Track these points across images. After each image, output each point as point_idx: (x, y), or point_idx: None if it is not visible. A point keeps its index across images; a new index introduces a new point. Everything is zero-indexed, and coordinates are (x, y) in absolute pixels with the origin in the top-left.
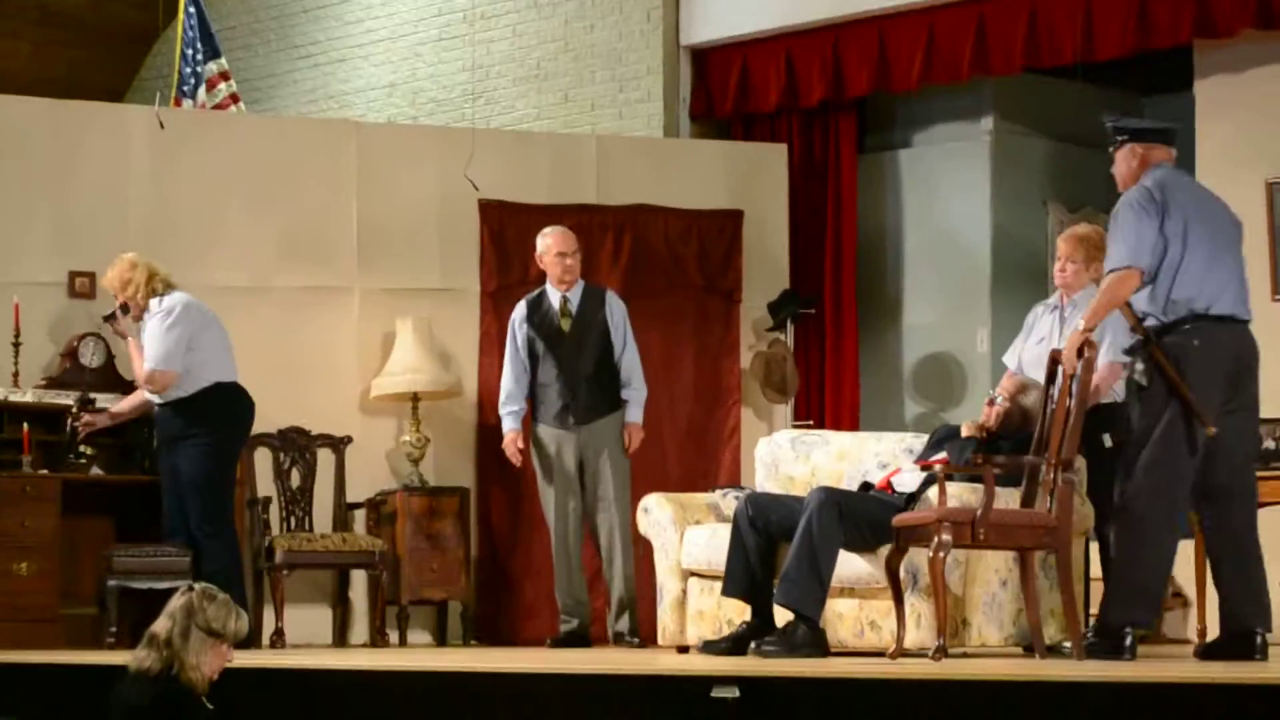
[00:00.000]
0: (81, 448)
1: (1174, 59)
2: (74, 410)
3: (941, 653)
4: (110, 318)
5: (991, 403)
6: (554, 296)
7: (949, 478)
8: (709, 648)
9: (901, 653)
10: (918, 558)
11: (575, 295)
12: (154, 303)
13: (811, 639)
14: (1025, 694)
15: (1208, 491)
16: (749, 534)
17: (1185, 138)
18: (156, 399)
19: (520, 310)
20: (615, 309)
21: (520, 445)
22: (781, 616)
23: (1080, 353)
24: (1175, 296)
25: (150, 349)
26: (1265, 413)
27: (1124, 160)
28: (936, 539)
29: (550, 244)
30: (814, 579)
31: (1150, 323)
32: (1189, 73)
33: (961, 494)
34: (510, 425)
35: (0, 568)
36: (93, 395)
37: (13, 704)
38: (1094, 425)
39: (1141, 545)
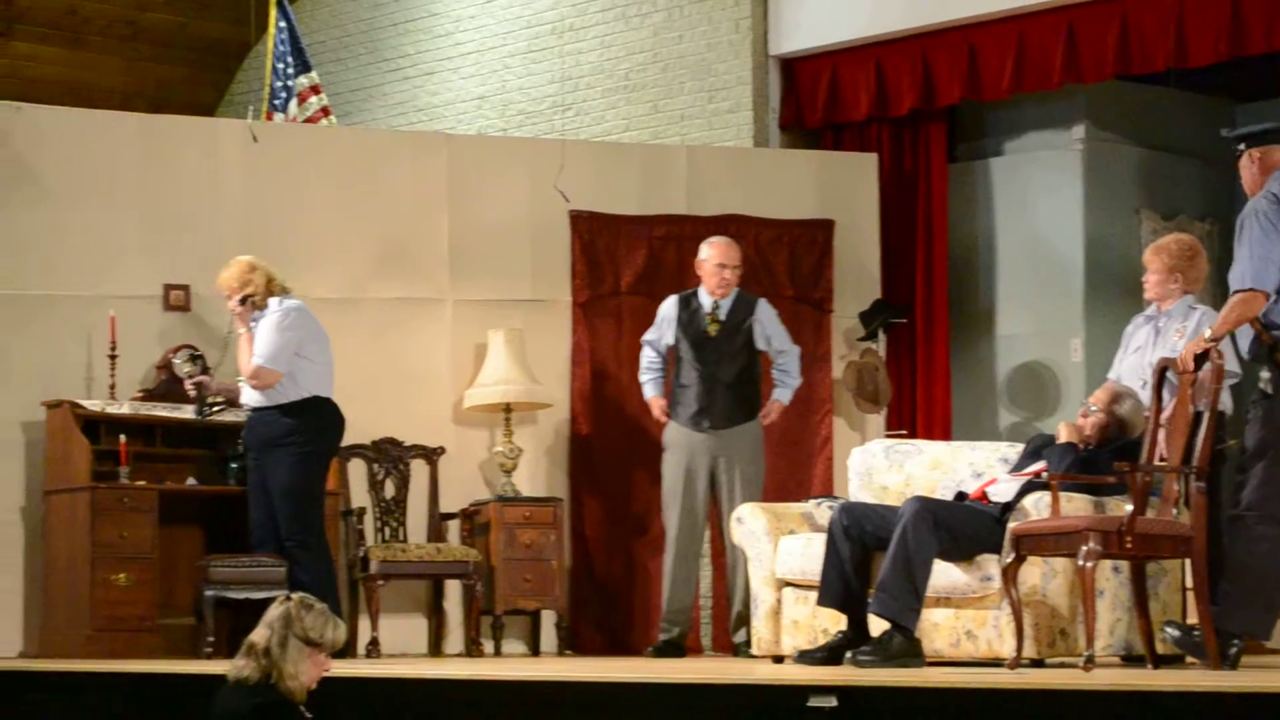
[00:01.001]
0: (208, 399)
1: (1267, 65)
2: (189, 366)
3: (1090, 663)
4: (244, 302)
5: (1086, 414)
6: (705, 300)
7: (1044, 487)
8: (804, 658)
9: (1018, 662)
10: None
11: (726, 302)
12: (273, 302)
13: (907, 648)
14: (1127, 703)
15: None
16: (844, 543)
17: None
18: (252, 402)
19: (670, 305)
20: (765, 315)
21: (664, 407)
22: (877, 626)
23: (1203, 359)
24: None
25: (261, 345)
26: None
27: (1245, 169)
28: (1085, 548)
29: (712, 254)
30: (909, 588)
31: (1276, 331)
32: None
33: (1062, 504)
34: (651, 392)
35: (99, 578)
36: (198, 350)
37: (112, 713)
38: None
39: (1256, 556)
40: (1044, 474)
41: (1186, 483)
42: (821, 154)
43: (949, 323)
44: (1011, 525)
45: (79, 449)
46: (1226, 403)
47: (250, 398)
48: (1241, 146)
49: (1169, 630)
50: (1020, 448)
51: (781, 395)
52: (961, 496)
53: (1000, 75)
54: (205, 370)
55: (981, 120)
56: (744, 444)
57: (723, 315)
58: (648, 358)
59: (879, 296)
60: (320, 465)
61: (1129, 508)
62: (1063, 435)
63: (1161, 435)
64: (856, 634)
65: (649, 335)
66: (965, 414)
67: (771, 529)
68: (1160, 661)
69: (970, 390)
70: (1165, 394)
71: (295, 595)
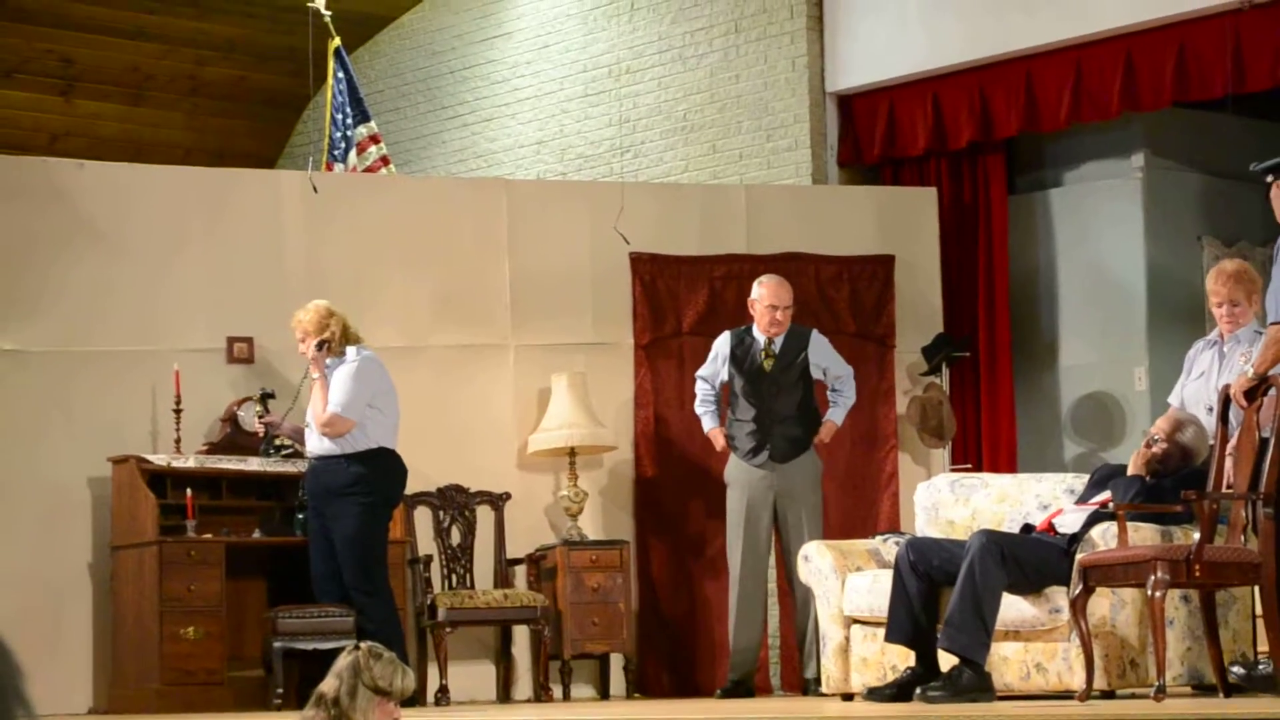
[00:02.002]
0: (276, 439)
1: None
2: (260, 406)
3: (1162, 693)
4: (320, 346)
5: (1150, 444)
6: (759, 336)
7: (1111, 517)
8: (874, 694)
9: (1088, 694)
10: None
11: (780, 337)
12: (351, 350)
13: (978, 683)
14: None
15: None
16: (910, 579)
17: None
18: (318, 450)
19: (725, 341)
20: (817, 347)
21: (722, 439)
22: (946, 661)
23: (1260, 390)
24: None
25: (338, 393)
26: None
27: (1276, 199)
28: (1153, 577)
29: (764, 294)
30: (978, 623)
31: None
32: None
33: (1129, 535)
34: (709, 424)
35: (168, 632)
36: (272, 390)
37: None
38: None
39: None
40: (1110, 504)
41: (1254, 509)
42: (880, 189)
43: (1012, 355)
44: (1079, 556)
45: (145, 504)
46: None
47: (316, 446)
48: (1270, 178)
49: (1235, 670)
50: (1086, 479)
51: (835, 415)
52: (1028, 529)
53: (1058, 106)
54: (269, 397)
55: (1040, 151)
56: (804, 477)
57: (777, 350)
58: (703, 391)
59: (941, 330)
60: (384, 515)
61: (1196, 536)
62: (1132, 467)
63: (1229, 463)
64: (926, 670)
65: (704, 371)
66: (1030, 446)
67: (838, 566)
68: (1231, 690)
69: (1035, 422)
70: (1232, 420)
71: (364, 644)
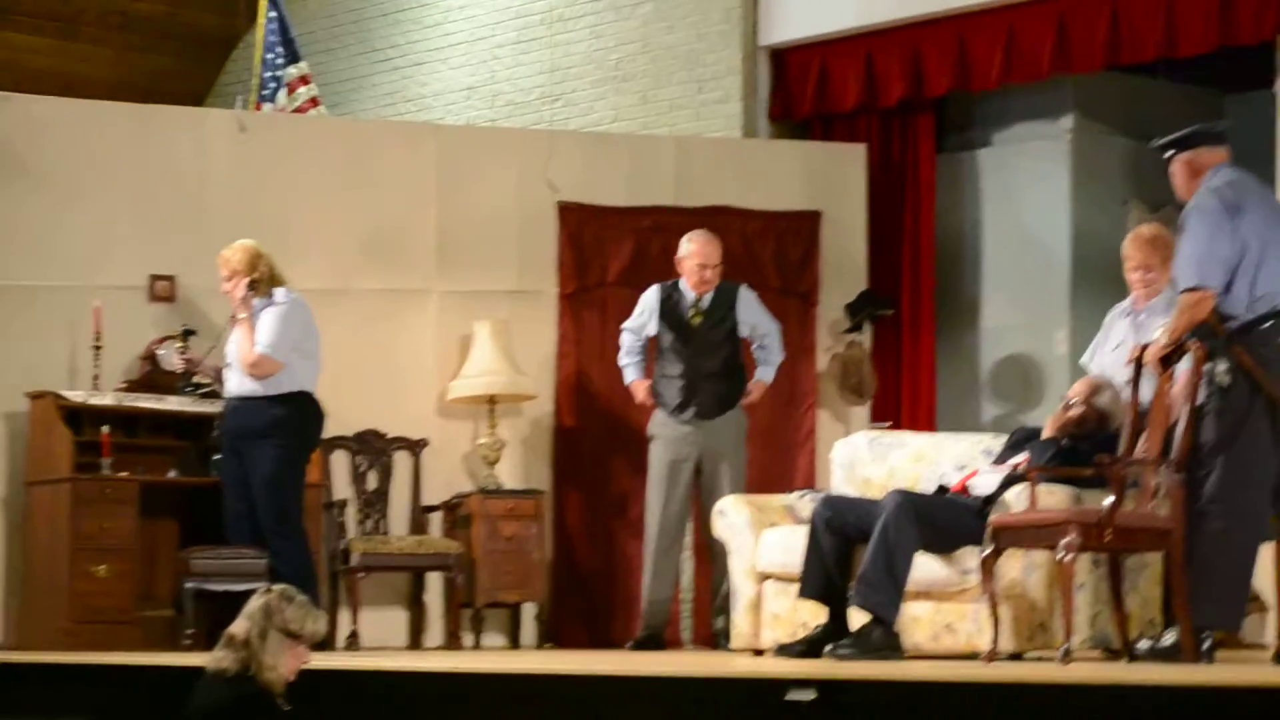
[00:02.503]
0: (195, 377)
1: (1257, 56)
2: (182, 343)
3: (1068, 656)
4: (251, 286)
5: (1067, 408)
6: (688, 292)
7: (1026, 478)
8: (784, 650)
9: (994, 655)
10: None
11: (709, 293)
12: (280, 292)
13: (887, 642)
14: (1105, 697)
15: None
16: (825, 536)
17: (1266, 136)
18: (239, 391)
19: (653, 295)
20: (746, 303)
21: (648, 389)
22: (857, 620)
23: (1174, 357)
24: (1259, 293)
25: (266, 334)
26: None
27: (1178, 174)
28: (1064, 540)
29: (692, 250)
30: (890, 582)
31: (1231, 323)
32: (1272, 70)
33: (1041, 497)
34: (632, 375)
35: (79, 570)
36: (194, 328)
37: (91, 705)
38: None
39: (1223, 549)
40: (1024, 466)
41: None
42: (810, 145)
43: (935, 314)
44: (991, 518)
45: (61, 440)
46: None
47: (237, 386)
48: (1171, 152)
49: (1139, 646)
50: (1004, 440)
51: (764, 375)
52: (943, 490)
53: (989, 66)
54: (191, 334)
55: (970, 111)
56: (729, 435)
57: (706, 306)
58: (628, 342)
59: (865, 288)
60: (302, 458)
61: (1109, 500)
62: (1047, 432)
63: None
64: (836, 627)
65: (630, 323)
66: (950, 406)
67: (754, 521)
68: (1135, 656)
69: (955, 382)
70: (1145, 387)
71: (276, 587)
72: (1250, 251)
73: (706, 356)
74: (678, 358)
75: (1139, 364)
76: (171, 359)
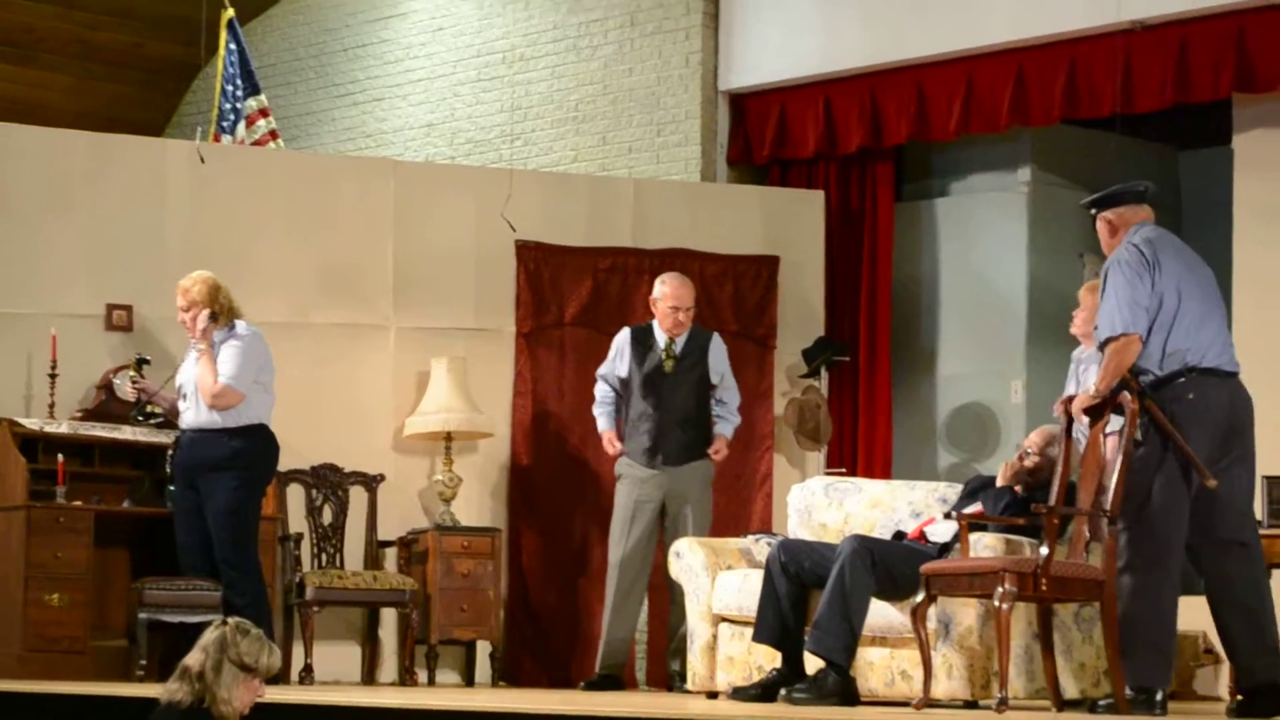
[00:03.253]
0: (148, 406)
1: (1213, 113)
2: (134, 371)
3: (1004, 705)
4: (213, 317)
5: (1022, 457)
6: (660, 336)
7: (984, 528)
8: (739, 694)
9: (928, 703)
10: (949, 607)
11: (681, 339)
12: (240, 325)
13: (841, 687)
14: None
15: (1208, 546)
16: (781, 580)
17: (1223, 192)
18: (196, 423)
19: (625, 336)
20: (717, 352)
21: (616, 443)
22: (812, 664)
23: (1106, 408)
24: (1170, 349)
25: (229, 366)
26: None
27: (1101, 232)
28: (1001, 589)
29: (666, 293)
30: (845, 627)
31: (1145, 378)
32: (1228, 127)
33: (995, 545)
34: (604, 425)
35: (32, 598)
36: (148, 356)
37: None
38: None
39: (1145, 603)
40: (980, 516)
41: (1098, 526)
42: (768, 190)
43: (891, 361)
44: (923, 565)
45: (16, 467)
46: None
47: (194, 419)
48: (1095, 210)
49: (1101, 704)
50: (960, 488)
51: (725, 429)
52: (900, 536)
53: (948, 116)
54: (145, 364)
55: (928, 160)
56: (695, 481)
57: (678, 351)
58: (601, 391)
59: (822, 334)
60: (259, 491)
61: (1044, 550)
62: (1001, 481)
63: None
64: (791, 671)
65: (603, 369)
66: (906, 453)
67: (709, 564)
68: (1065, 706)
69: (911, 430)
70: (1079, 435)
71: (231, 620)
72: (1165, 307)
73: (676, 401)
74: (647, 402)
75: (1069, 414)
76: (125, 388)
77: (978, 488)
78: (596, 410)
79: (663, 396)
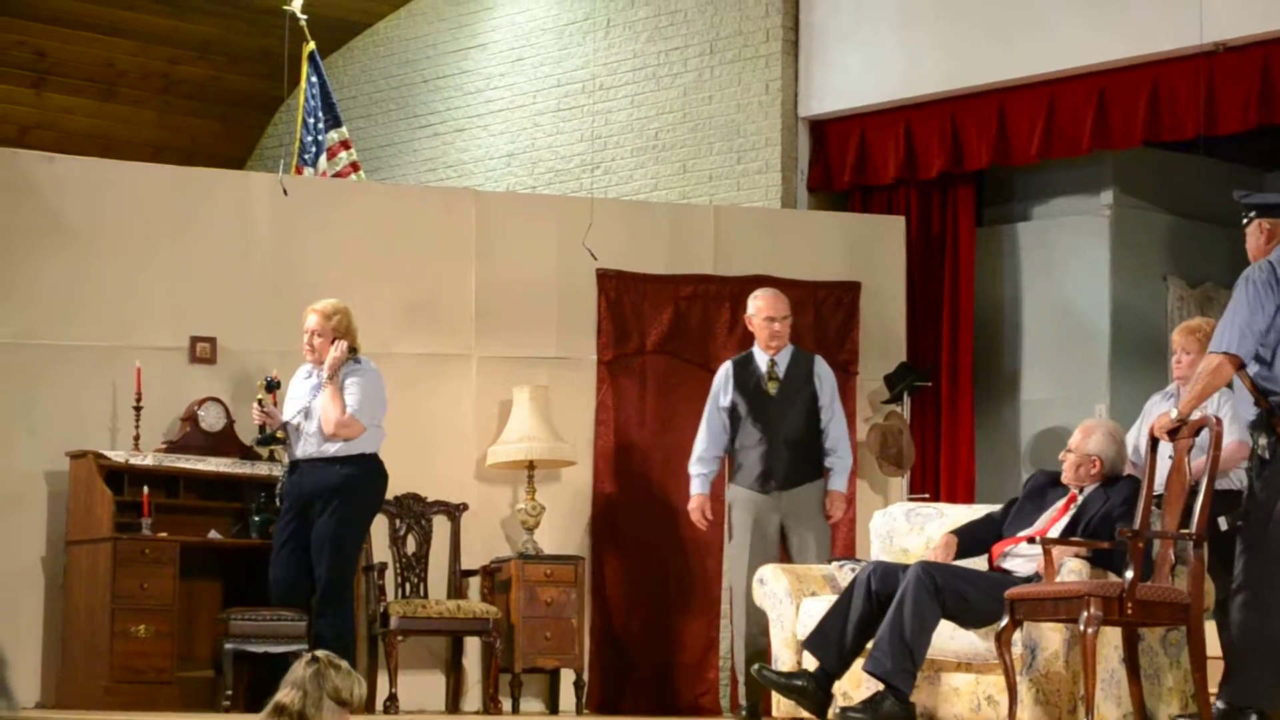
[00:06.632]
0: (276, 433)
1: None
2: (260, 396)
3: None
4: (353, 351)
5: (1064, 457)
6: (761, 359)
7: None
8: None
9: None
10: (1035, 632)
11: (783, 359)
12: (366, 360)
13: (900, 711)
14: None
15: None
16: (860, 600)
17: None
18: (312, 453)
19: (726, 370)
20: (824, 377)
21: (707, 512)
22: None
23: (1190, 430)
24: None
25: (357, 398)
26: None
27: (1252, 235)
28: (1086, 613)
29: (760, 306)
30: (905, 651)
31: (1275, 399)
32: None
33: (1080, 569)
34: (698, 489)
35: (119, 629)
36: (278, 378)
37: None
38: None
39: (1263, 626)
40: (1039, 538)
41: (1186, 549)
42: (849, 216)
43: (974, 386)
44: (1008, 591)
45: (102, 500)
46: (1235, 479)
47: (314, 448)
48: (1253, 214)
49: None
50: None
51: (838, 484)
52: (997, 538)
53: (1029, 140)
54: (274, 388)
55: (1010, 184)
56: (811, 502)
57: (781, 373)
58: (701, 446)
59: (904, 359)
60: (365, 521)
61: (1129, 574)
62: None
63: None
64: (819, 685)
65: (707, 410)
66: (988, 478)
67: (793, 590)
68: None
69: (994, 454)
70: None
71: (322, 654)
72: None
73: (785, 425)
74: (755, 427)
75: (1153, 437)
76: (253, 412)
77: (1039, 485)
78: (692, 469)
79: (769, 420)
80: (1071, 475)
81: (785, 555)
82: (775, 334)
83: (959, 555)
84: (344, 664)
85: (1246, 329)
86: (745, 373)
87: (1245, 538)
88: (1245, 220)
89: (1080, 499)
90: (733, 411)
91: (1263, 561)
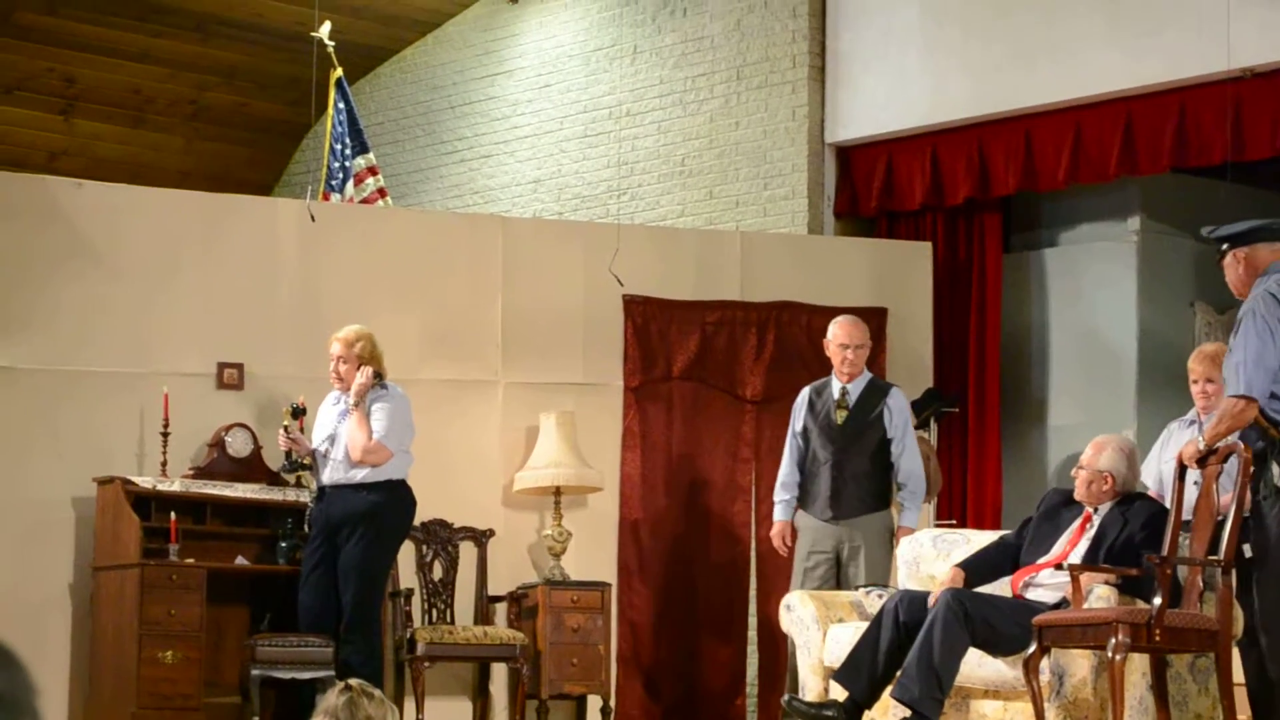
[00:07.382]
0: (303, 460)
1: None
2: (286, 422)
3: None
4: (379, 377)
5: (1076, 474)
6: (834, 387)
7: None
8: None
9: None
10: (1063, 658)
11: (855, 388)
12: (393, 386)
13: None
14: None
15: None
16: (889, 629)
17: None
18: (338, 479)
19: (803, 396)
20: (895, 409)
21: (787, 539)
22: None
23: (1217, 458)
24: None
25: (384, 424)
26: None
27: (1230, 268)
28: (1114, 640)
29: (836, 334)
30: (933, 678)
31: None
32: None
33: (1108, 595)
34: (780, 515)
35: (146, 655)
36: (305, 405)
37: None
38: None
39: (1274, 672)
40: (1063, 564)
41: (1214, 576)
42: (876, 242)
43: (1001, 413)
44: (1036, 617)
45: (129, 526)
46: None
47: (341, 474)
48: (1225, 246)
49: None
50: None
51: (909, 520)
52: (1014, 563)
53: (1056, 166)
54: (301, 414)
55: (1037, 210)
56: (873, 530)
57: (851, 402)
58: (785, 470)
59: (931, 385)
60: (393, 547)
61: (1157, 600)
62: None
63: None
64: (851, 711)
65: (789, 434)
66: (1015, 504)
67: (820, 616)
68: None
69: (1021, 480)
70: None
71: (355, 682)
72: None
73: (851, 455)
74: (822, 455)
75: (1181, 464)
76: (279, 438)
77: (1053, 505)
78: (775, 495)
79: (835, 448)
80: (1084, 492)
81: (838, 584)
82: (847, 361)
83: (970, 586)
84: (377, 692)
85: (1259, 364)
86: (819, 400)
87: (1262, 575)
88: (1219, 256)
89: (1096, 519)
90: (805, 437)
91: (1270, 607)
